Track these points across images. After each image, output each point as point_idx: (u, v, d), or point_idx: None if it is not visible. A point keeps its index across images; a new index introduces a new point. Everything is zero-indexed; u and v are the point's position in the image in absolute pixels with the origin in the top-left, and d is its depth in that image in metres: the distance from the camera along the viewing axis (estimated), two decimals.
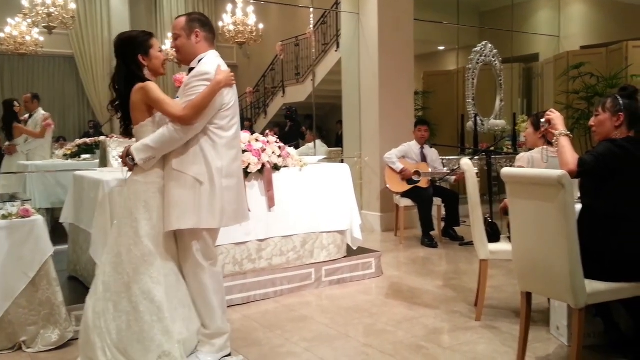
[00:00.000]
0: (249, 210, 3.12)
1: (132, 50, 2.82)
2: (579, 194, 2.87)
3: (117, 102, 2.91)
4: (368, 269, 4.63)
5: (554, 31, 9.67)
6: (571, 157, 2.68)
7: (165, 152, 2.76)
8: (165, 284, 2.74)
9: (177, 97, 2.83)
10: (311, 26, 8.16)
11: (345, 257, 4.56)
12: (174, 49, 2.93)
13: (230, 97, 2.80)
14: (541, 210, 2.64)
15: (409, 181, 6.02)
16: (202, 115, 2.70)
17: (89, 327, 2.72)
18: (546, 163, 3.43)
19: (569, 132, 2.84)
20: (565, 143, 2.78)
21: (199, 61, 2.81)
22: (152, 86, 2.76)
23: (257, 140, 4.17)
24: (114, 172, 3.81)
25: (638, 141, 2.72)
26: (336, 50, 9.43)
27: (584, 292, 2.52)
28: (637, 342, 2.80)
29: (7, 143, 6.46)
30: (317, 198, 4.40)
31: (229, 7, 8.41)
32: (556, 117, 2.93)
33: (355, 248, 4.62)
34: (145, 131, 2.79)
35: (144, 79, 2.80)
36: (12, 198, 3.42)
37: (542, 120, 3.06)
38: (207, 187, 2.74)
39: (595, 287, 2.56)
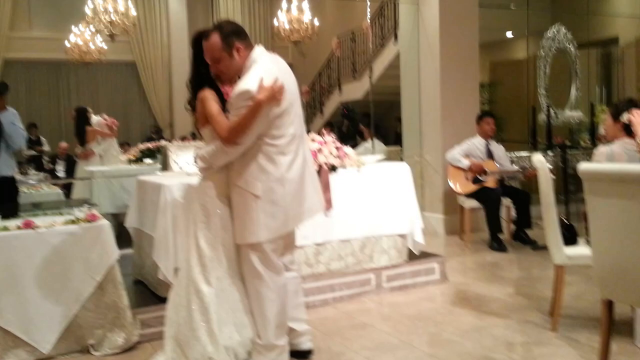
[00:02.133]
0: (328, 205, 3.13)
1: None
2: None
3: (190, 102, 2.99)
4: (431, 275, 4.59)
5: (636, 11, 9.24)
6: None
7: (220, 164, 2.86)
8: (218, 287, 2.85)
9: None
10: (368, 19, 8.13)
11: (406, 261, 4.54)
12: (215, 74, 2.88)
13: (281, 105, 2.77)
14: (625, 210, 2.53)
15: (475, 180, 5.91)
16: (247, 135, 2.73)
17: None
18: (628, 157, 3.29)
19: None
20: None
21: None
22: (208, 96, 2.83)
23: (313, 140, 4.20)
24: (175, 176, 4.00)
25: None
26: (394, 44, 9.38)
27: None
28: None
29: (80, 149, 6.97)
30: (376, 200, 4.40)
31: (284, 4, 8.52)
32: (637, 123, 2.81)
33: (417, 252, 4.58)
34: (208, 136, 2.89)
35: (212, 83, 2.87)
36: (80, 203, 3.66)
37: (624, 117, 2.94)
38: (265, 201, 2.80)
39: None
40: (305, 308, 3.46)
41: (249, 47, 2.85)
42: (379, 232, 4.41)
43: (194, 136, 7.62)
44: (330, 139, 4.31)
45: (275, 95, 2.70)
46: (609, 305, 2.77)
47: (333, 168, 4.20)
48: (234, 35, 2.81)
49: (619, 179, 2.57)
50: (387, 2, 10.26)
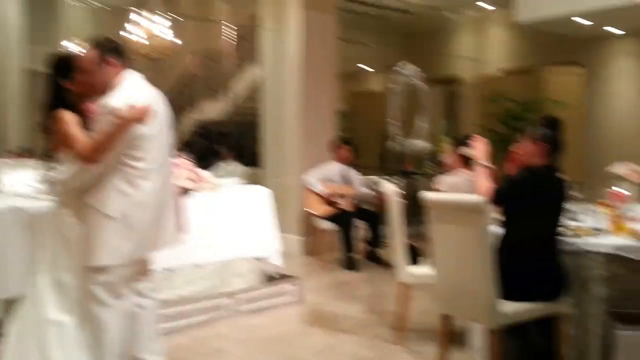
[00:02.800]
0: (181, 233, 3.15)
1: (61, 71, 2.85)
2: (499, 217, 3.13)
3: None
4: (288, 296, 4.70)
5: (475, 54, 10.30)
6: (484, 189, 2.92)
7: (80, 185, 2.78)
8: (76, 316, 2.76)
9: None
10: (228, 40, 8.25)
11: (263, 284, 4.62)
12: (81, 88, 2.85)
13: (145, 128, 2.75)
14: (461, 234, 2.87)
15: (331, 203, 6.21)
16: (107, 154, 2.69)
17: None
18: (466, 186, 3.70)
19: (488, 164, 3.10)
20: (480, 174, 3.04)
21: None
22: (67, 116, 2.79)
23: None
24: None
25: (555, 170, 3.01)
26: (255, 66, 9.56)
27: (500, 313, 2.75)
28: (548, 358, 3.06)
29: None
30: (234, 223, 4.43)
31: (139, 19, 8.37)
32: (477, 148, 3.20)
33: (274, 274, 4.70)
34: (66, 157, 2.82)
35: (69, 105, 2.83)
36: None
37: (466, 148, 3.33)
38: (121, 224, 2.74)
39: (511, 308, 2.81)
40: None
41: (124, 66, 2.84)
42: (235, 256, 4.44)
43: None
44: (184, 161, 4.24)
45: (142, 115, 2.68)
46: (447, 319, 3.11)
47: (187, 191, 4.08)
48: (112, 52, 2.81)
49: (457, 207, 2.92)
50: (249, 24, 10.44)
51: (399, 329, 3.78)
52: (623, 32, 8.59)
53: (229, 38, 10.34)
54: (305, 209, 6.44)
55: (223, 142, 8.77)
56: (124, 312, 2.86)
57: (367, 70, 11.11)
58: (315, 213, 6.28)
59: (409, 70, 8.41)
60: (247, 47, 10.29)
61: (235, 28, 10.30)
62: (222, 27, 10.16)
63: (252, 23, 8.66)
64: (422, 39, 10.41)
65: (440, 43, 10.34)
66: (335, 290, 5.29)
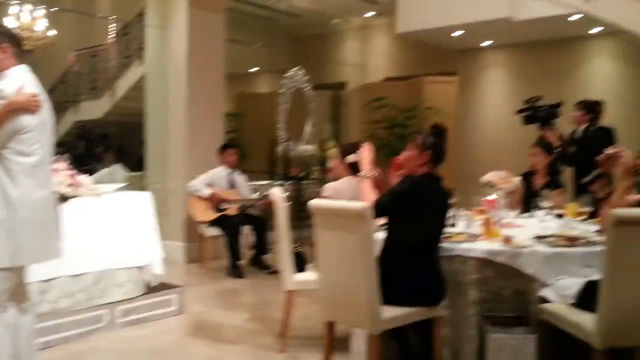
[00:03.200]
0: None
1: None
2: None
3: None
4: (169, 306, 4.55)
5: (361, 62, 10.57)
6: (368, 200, 2.97)
7: None
8: None
9: None
10: (112, 36, 7.90)
11: (144, 294, 4.43)
12: None
13: (31, 119, 2.65)
14: (344, 241, 2.89)
15: (216, 209, 6.10)
16: None
17: None
18: (352, 193, 3.76)
19: (373, 173, 3.16)
20: (365, 187, 3.09)
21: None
22: None
23: None
24: None
25: (437, 178, 3.10)
26: (140, 65, 9.23)
27: (380, 318, 2.81)
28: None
29: None
30: (113, 231, 4.23)
31: (14, 9, 7.81)
32: (363, 157, 3.25)
33: (155, 284, 4.53)
34: None
35: None
36: None
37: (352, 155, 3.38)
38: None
39: (391, 312, 2.87)
40: None
41: (18, 56, 2.72)
42: (115, 265, 4.23)
43: None
44: (62, 165, 3.98)
45: (31, 102, 2.60)
46: (331, 325, 3.13)
47: (65, 198, 3.86)
48: (6, 37, 2.70)
49: (341, 214, 2.95)
50: (134, 21, 10.06)
51: (284, 337, 3.77)
52: (493, 44, 9.16)
53: (113, 34, 9.90)
54: (190, 214, 6.28)
55: (104, 145, 8.36)
56: (7, 326, 2.69)
57: (256, 73, 11.07)
58: (200, 219, 6.14)
59: (297, 74, 8.47)
60: (132, 44, 9.92)
61: (121, 24, 9.90)
62: (107, 22, 9.70)
63: (138, 20, 8.34)
64: (310, 44, 10.54)
65: (328, 48, 10.51)
66: (219, 298, 5.20)
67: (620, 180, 2.93)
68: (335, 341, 3.17)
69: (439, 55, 9.46)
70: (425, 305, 2.96)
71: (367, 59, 10.59)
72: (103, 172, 7.67)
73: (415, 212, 2.93)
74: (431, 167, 3.07)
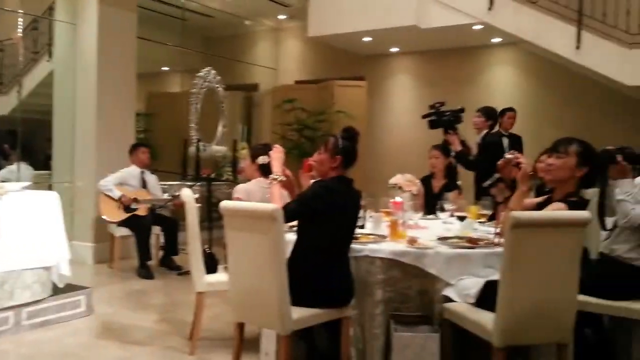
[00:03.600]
0: None
1: None
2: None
3: None
4: (77, 308, 4.32)
5: (273, 64, 10.48)
6: (277, 204, 2.89)
7: None
8: None
9: None
10: (19, 31, 7.37)
11: (51, 296, 4.17)
12: None
13: None
14: (255, 242, 2.81)
15: (127, 209, 5.83)
16: None
17: None
18: (262, 194, 3.68)
19: (282, 177, 3.09)
20: (274, 190, 3.02)
21: None
22: None
23: None
24: None
25: (348, 181, 3.06)
26: (48, 61, 8.69)
27: (291, 318, 2.75)
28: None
29: None
30: (19, 231, 3.96)
31: None
32: (274, 159, 3.17)
33: (62, 285, 4.27)
34: None
35: None
36: None
37: (263, 156, 3.30)
38: None
39: (301, 313, 2.82)
40: None
41: None
42: (21, 266, 3.96)
43: None
44: None
45: None
46: (241, 326, 3.04)
47: None
48: None
49: (251, 215, 2.86)
50: (43, 15, 9.46)
51: (194, 338, 3.63)
52: (400, 50, 9.35)
53: (21, 29, 9.25)
54: (99, 214, 5.96)
55: (10, 142, 7.77)
56: None
57: (168, 72, 10.70)
58: (109, 219, 5.84)
59: (209, 75, 8.28)
60: (41, 39, 9.33)
61: (29, 18, 9.26)
62: (15, 16, 9.04)
63: (47, 14, 7.84)
64: (222, 44, 10.32)
65: (240, 49, 10.34)
66: (129, 299, 4.96)
67: (518, 184, 3.02)
68: (245, 342, 3.07)
69: (349, 59, 9.55)
70: (334, 306, 2.92)
71: (279, 61, 10.52)
72: (9, 169, 7.15)
73: (325, 215, 2.89)
74: (342, 170, 3.04)
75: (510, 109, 6.58)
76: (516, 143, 6.09)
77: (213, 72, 8.37)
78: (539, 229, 2.59)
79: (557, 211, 2.80)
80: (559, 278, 2.63)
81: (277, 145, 3.34)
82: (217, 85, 8.42)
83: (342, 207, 2.94)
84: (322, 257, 2.91)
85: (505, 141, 6.20)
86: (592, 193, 3.24)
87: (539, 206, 3.04)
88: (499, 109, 5.85)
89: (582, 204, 2.87)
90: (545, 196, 3.16)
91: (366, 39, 8.43)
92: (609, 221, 3.19)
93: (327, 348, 3.25)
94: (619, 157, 3.16)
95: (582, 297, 2.84)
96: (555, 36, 6.77)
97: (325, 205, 2.87)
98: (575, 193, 2.92)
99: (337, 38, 8.51)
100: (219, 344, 3.76)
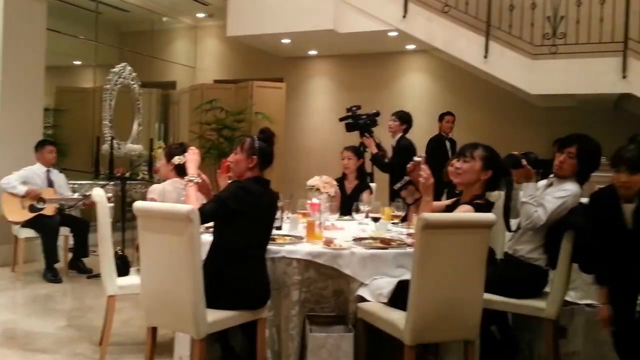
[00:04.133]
0: None
1: None
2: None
3: None
4: None
5: (191, 62, 10.28)
6: (192, 204, 2.83)
7: None
8: None
9: None
10: None
11: None
12: None
13: None
14: (170, 244, 2.73)
15: (32, 209, 5.52)
16: None
17: None
18: (177, 195, 3.59)
19: (197, 180, 3.03)
20: (190, 191, 2.95)
21: None
22: None
23: None
24: None
25: (265, 182, 3.04)
26: None
27: (206, 322, 2.70)
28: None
29: None
30: None
31: None
32: (189, 160, 3.11)
33: None
34: None
35: None
36: None
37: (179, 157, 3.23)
38: None
39: (216, 316, 2.77)
40: None
41: None
42: None
43: None
44: None
45: None
46: (154, 330, 2.95)
47: None
48: None
49: (165, 216, 2.78)
50: None
51: (104, 344, 3.48)
52: (319, 53, 9.43)
53: None
54: (1, 215, 5.60)
55: None
56: None
57: (80, 66, 10.24)
58: (12, 219, 5.50)
59: (124, 70, 8.00)
60: None
61: None
62: None
63: None
64: (139, 40, 9.99)
65: (157, 46, 10.05)
66: (33, 305, 4.70)
67: (423, 194, 3.12)
68: (157, 346, 2.99)
69: (269, 61, 9.52)
70: (250, 308, 2.90)
71: (197, 59, 10.33)
72: None
73: (242, 216, 2.85)
74: (259, 171, 3.02)
75: (449, 113, 6.82)
76: (454, 147, 6.31)
77: (129, 68, 8.10)
78: (447, 230, 2.68)
79: (464, 213, 2.91)
80: (465, 277, 2.73)
81: (192, 147, 3.28)
82: (132, 82, 8.15)
83: (258, 207, 2.92)
84: (238, 259, 2.88)
85: (448, 144, 6.40)
86: (497, 196, 3.40)
87: (448, 208, 3.15)
88: (413, 113, 6.01)
89: (487, 206, 3.00)
90: (454, 199, 3.28)
91: (285, 41, 8.43)
92: (514, 223, 3.35)
93: (243, 350, 3.22)
94: (524, 162, 3.32)
95: (488, 296, 2.96)
96: (465, 45, 7.05)
97: (242, 205, 2.84)
98: (482, 196, 3.05)
99: (256, 39, 8.46)
100: (130, 349, 3.64)
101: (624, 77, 6.33)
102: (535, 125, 7.97)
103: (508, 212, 3.30)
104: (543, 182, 3.38)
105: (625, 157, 2.67)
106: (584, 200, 3.17)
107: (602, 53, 6.39)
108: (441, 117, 6.72)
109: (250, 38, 8.45)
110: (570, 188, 3.14)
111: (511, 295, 3.19)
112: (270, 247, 3.07)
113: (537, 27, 6.77)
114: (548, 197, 3.15)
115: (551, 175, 3.32)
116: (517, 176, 3.32)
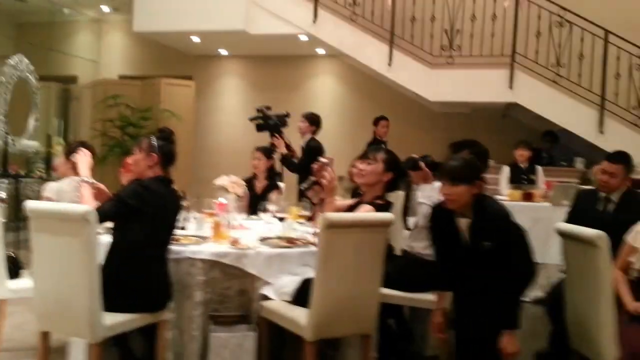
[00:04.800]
0: None
1: None
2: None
3: None
4: None
5: (94, 56, 9.83)
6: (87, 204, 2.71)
7: None
8: None
9: None
10: None
11: None
12: None
13: None
14: (65, 246, 2.60)
15: None
16: None
17: None
18: (73, 195, 3.42)
19: (91, 180, 2.89)
20: (84, 191, 2.81)
21: None
22: None
23: None
24: None
25: (167, 181, 2.94)
26: None
27: (102, 325, 2.59)
28: None
29: None
30: None
31: None
32: (79, 162, 2.96)
33: None
34: None
35: None
36: None
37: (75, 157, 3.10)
38: None
39: (113, 319, 2.66)
40: None
41: None
42: None
43: None
44: None
45: None
46: (46, 335, 2.79)
47: None
48: None
49: (60, 216, 2.64)
50: None
51: None
52: (230, 53, 9.32)
53: None
54: None
55: None
56: None
57: None
58: None
59: (20, 63, 7.52)
60: None
61: None
62: None
63: None
64: (37, 31, 9.41)
65: (57, 39, 9.51)
66: None
67: (326, 194, 3.17)
68: (51, 351, 2.83)
69: (177, 58, 9.28)
70: (150, 311, 2.80)
71: (101, 54, 9.88)
72: None
73: (142, 215, 2.75)
74: (161, 170, 2.93)
75: (384, 118, 6.92)
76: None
77: (25, 60, 7.61)
78: (349, 229, 2.74)
79: (365, 213, 2.98)
80: (365, 274, 2.80)
81: (82, 149, 3.13)
82: (29, 75, 7.67)
83: (159, 207, 2.83)
84: (137, 260, 2.78)
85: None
86: (396, 196, 3.51)
87: (350, 208, 3.21)
88: (322, 115, 6.07)
89: (387, 206, 3.09)
90: (357, 198, 3.35)
91: (195, 39, 8.26)
92: (411, 221, 3.47)
93: (143, 353, 3.11)
94: (422, 164, 3.45)
95: (386, 291, 3.05)
96: (371, 52, 7.22)
97: (142, 204, 2.74)
98: (382, 196, 3.14)
99: (165, 36, 8.23)
100: (22, 355, 3.45)
101: (511, 87, 6.73)
102: (434, 130, 8.30)
103: (406, 211, 3.42)
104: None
105: (446, 168, 2.68)
106: None
107: (493, 65, 6.77)
108: (376, 122, 6.86)
109: (158, 34, 8.21)
110: None
111: (407, 289, 3.29)
112: (174, 247, 2.99)
113: (436, 39, 7.06)
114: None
115: None
116: (416, 178, 3.45)
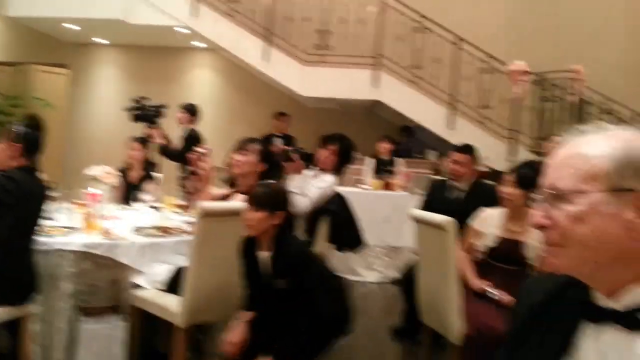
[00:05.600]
0: None
1: None
2: None
3: None
4: None
5: None
6: None
7: None
8: None
9: None
10: None
11: None
12: None
13: None
14: None
15: None
16: None
17: None
18: None
19: None
20: None
21: None
22: None
23: None
24: None
25: (32, 170, 2.66)
26: None
27: None
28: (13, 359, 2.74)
29: None
30: None
31: None
32: None
33: None
34: None
35: None
36: None
37: None
38: None
39: None
40: None
41: None
42: None
43: None
44: None
45: None
46: None
47: None
48: None
49: None
50: None
51: None
52: (108, 42, 8.73)
53: None
54: None
55: None
56: None
57: None
58: None
59: None
60: None
61: None
62: None
63: None
64: None
65: None
66: None
67: (202, 184, 3.06)
68: None
69: (51, 45, 8.52)
70: (12, 304, 2.52)
71: None
72: None
73: (4, 206, 2.47)
74: (26, 160, 2.64)
75: (283, 114, 6.86)
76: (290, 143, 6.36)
77: None
78: (223, 218, 2.65)
79: (238, 202, 2.91)
80: (236, 262, 2.72)
81: None
82: None
83: (24, 197, 2.55)
84: (1, 251, 2.49)
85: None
86: None
87: (225, 198, 3.12)
88: (201, 107, 5.87)
89: None
90: (232, 189, 3.26)
91: (70, 26, 7.63)
92: None
93: (8, 348, 2.81)
94: (295, 156, 3.44)
95: None
96: (248, 48, 7.10)
97: (5, 195, 2.46)
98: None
99: (38, 21, 7.52)
100: None
101: (375, 86, 6.94)
102: (306, 124, 8.35)
103: None
104: (309, 173, 3.54)
105: (253, 193, 2.36)
106: (340, 189, 3.40)
107: (360, 65, 6.92)
108: (278, 116, 6.88)
109: (31, 20, 7.48)
110: (328, 179, 3.35)
111: None
112: (42, 239, 2.72)
113: (310, 39, 7.09)
114: (312, 188, 3.30)
115: (315, 167, 3.49)
116: (288, 169, 3.42)
